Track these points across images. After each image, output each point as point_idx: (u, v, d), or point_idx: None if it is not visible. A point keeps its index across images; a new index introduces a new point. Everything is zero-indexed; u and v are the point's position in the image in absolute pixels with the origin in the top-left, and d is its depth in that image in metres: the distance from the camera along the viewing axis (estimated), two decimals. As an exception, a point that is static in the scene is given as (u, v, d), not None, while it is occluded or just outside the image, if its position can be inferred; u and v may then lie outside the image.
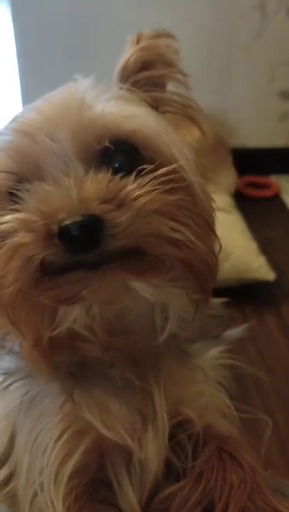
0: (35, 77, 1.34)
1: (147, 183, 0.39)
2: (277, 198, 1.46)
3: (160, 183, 0.39)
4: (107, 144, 0.41)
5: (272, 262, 1.11)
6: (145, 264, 0.39)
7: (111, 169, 0.40)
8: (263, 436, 0.55)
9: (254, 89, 1.44)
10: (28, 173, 0.41)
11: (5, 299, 0.39)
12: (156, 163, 0.41)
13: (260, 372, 0.84)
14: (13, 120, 0.44)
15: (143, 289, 0.41)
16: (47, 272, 0.38)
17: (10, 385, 0.49)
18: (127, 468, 0.46)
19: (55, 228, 0.37)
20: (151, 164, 0.40)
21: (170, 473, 0.48)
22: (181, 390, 0.49)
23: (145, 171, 0.40)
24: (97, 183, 0.39)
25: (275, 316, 1.06)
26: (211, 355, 0.53)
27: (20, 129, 0.42)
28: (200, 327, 0.49)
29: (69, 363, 0.46)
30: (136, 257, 0.38)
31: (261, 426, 0.57)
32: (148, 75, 0.48)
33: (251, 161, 1.43)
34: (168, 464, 0.48)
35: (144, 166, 0.40)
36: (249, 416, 0.55)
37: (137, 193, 0.38)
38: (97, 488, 0.47)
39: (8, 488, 0.48)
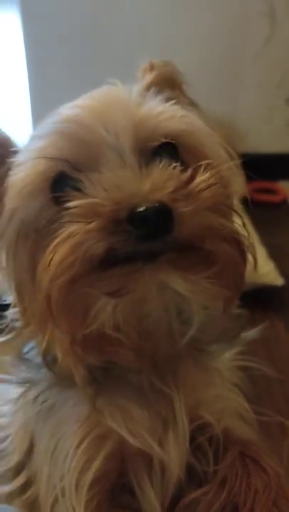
0: (44, 83, 1.35)
1: (210, 177, 0.40)
2: (285, 203, 1.46)
3: (216, 180, 0.40)
4: (160, 141, 0.42)
5: (281, 268, 1.12)
6: (194, 258, 0.40)
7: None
8: (282, 440, 0.55)
9: (263, 95, 1.44)
10: (83, 161, 0.42)
11: (55, 288, 0.38)
12: (206, 162, 0.42)
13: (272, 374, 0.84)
14: (58, 114, 0.45)
15: (181, 284, 0.41)
16: (106, 261, 0.38)
17: (29, 395, 0.49)
18: (148, 473, 0.47)
19: (123, 214, 0.37)
20: (186, 163, 0.42)
21: (192, 477, 0.48)
22: (198, 393, 0.49)
23: (203, 168, 0.41)
24: (164, 174, 0.39)
25: (283, 321, 1.06)
26: (227, 356, 0.53)
27: (74, 119, 0.43)
28: (221, 329, 0.49)
29: (91, 369, 0.46)
30: (188, 251, 0.39)
31: (276, 429, 0.57)
32: (165, 97, 0.49)
33: (260, 167, 1.43)
34: (189, 469, 0.48)
35: (203, 163, 0.41)
36: (266, 419, 0.55)
37: (203, 186, 0.39)
38: (119, 493, 0.47)
39: (26, 495, 0.49)
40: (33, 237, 0.42)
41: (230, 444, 0.49)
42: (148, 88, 0.48)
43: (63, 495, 0.45)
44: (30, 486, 0.48)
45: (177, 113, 0.44)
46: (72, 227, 0.38)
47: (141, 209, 0.36)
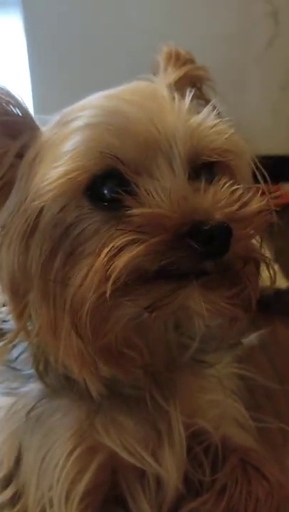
0: (47, 85, 1.35)
1: (264, 204, 0.39)
2: (290, 206, 1.46)
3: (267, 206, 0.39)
4: (212, 158, 0.40)
5: (285, 271, 1.10)
6: (225, 279, 0.38)
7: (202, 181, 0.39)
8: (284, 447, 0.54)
9: (267, 97, 1.43)
10: (136, 163, 0.38)
11: (92, 298, 0.36)
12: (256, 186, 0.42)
13: (272, 382, 0.82)
14: (91, 106, 0.41)
15: (201, 304, 0.38)
16: (156, 275, 0.36)
17: (17, 405, 0.47)
18: (141, 485, 0.45)
19: (186, 229, 0.35)
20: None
21: (188, 487, 0.47)
22: (194, 399, 0.48)
23: (258, 193, 0.40)
24: (223, 192, 0.38)
25: (285, 325, 1.05)
26: (225, 363, 0.52)
27: (124, 113, 0.39)
28: (221, 338, 0.47)
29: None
30: (228, 272, 0.38)
31: (277, 436, 0.56)
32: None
33: (264, 170, 1.42)
34: (185, 478, 0.47)
35: (252, 186, 0.40)
36: (266, 425, 0.54)
37: (257, 211, 0.38)
38: (111, 506, 0.46)
39: (15, 509, 0.47)
40: (51, 235, 0.39)
41: (229, 451, 0.48)
42: (181, 87, 0.45)
43: (51, 506, 0.44)
44: (19, 498, 0.47)
45: (225, 129, 0.42)
46: (130, 237, 0.35)
47: (207, 226, 0.35)
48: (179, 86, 0.47)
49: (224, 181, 0.39)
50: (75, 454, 0.44)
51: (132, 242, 0.35)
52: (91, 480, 0.44)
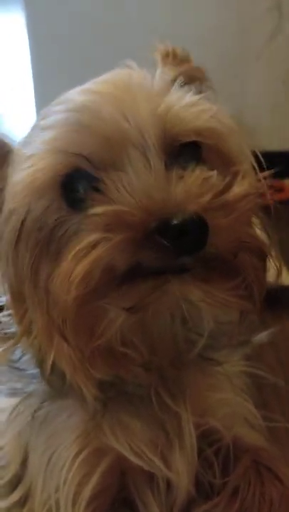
0: (48, 83, 1.34)
1: (248, 187, 0.36)
2: (291, 201, 1.44)
3: (254, 189, 0.37)
4: (189, 139, 0.38)
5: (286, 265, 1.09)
6: (219, 271, 0.36)
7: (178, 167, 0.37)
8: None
9: (269, 92, 1.42)
10: (102, 158, 0.37)
11: (70, 302, 0.35)
12: (242, 168, 0.38)
13: (280, 380, 0.81)
14: (68, 100, 0.40)
15: (200, 296, 0.37)
16: (129, 275, 0.34)
17: (22, 405, 0.47)
18: (150, 488, 0.44)
19: (154, 225, 0.33)
20: (207, 165, 0.38)
21: (198, 489, 0.45)
22: (203, 398, 0.47)
23: (240, 175, 0.37)
24: (198, 179, 0.36)
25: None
26: (234, 361, 0.50)
27: (90, 108, 0.37)
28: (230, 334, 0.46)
29: (100, 385, 0.42)
30: (215, 264, 0.36)
31: (283, 435, 0.55)
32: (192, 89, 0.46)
33: (266, 165, 1.41)
34: (195, 481, 0.45)
35: (237, 169, 0.37)
36: (274, 425, 0.53)
37: (240, 196, 0.36)
38: (120, 509, 0.44)
39: (24, 511, 0.46)
40: (37, 238, 0.38)
41: (240, 452, 0.46)
42: (173, 79, 0.42)
43: (58, 508, 0.43)
44: (26, 500, 0.46)
45: (208, 107, 0.39)
46: (95, 236, 0.34)
47: (177, 221, 0.32)
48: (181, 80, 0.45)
49: (200, 167, 0.37)
50: (82, 456, 0.43)
51: (97, 242, 0.34)
52: (98, 483, 0.43)
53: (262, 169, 0.44)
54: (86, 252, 0.34)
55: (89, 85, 0.41)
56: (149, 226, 0.33)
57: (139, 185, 0.35)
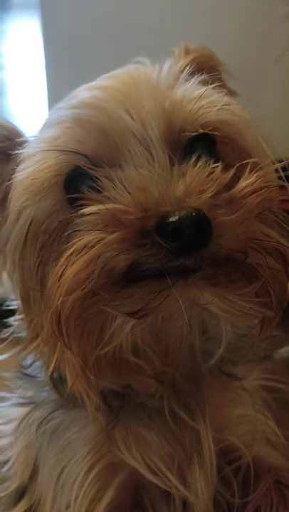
0: (63, 87, 1.33)
1: (257, 180, 0.34)
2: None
3: (264, 183, 0.34)
4: (196, 131, 0.36)
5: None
6: (233, 274, 0.33)
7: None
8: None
9: (286, 99, 1.40)
10: (103, 155, 0.35)
11: (67, 305, 0.33)
12: (251, 160, 0.36)
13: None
14: (73, 97, 0.39)
15: (215, 303, 0.34)
16: (129, 277, 0.32)
17: (32, 415, 0.44)
18: (167, 505, 0.41)
19: (152, 223, 0.31)
20: (224, 159, 0.36)
21: (216, 509, 0.43)
22: (222, 414, 0.44)
23: (248, 168, 0.35)
24: (201, 174, 0.33)
25: None
26: (254, 376, 0.47)
27: (92, 103, 0.36)
28: (251, 348, 0.43)
29: (105, 395, 0.40)
30: (227, 266, 0.33)
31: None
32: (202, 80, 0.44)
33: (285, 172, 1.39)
34: (213, 499, 0.43)
35: (247, 161, 0.35)
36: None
37: (248, 190, 0.33)
38: None
39: None
40: (43, 240, 0.37)
41: (261, 471, 0.44)
42: (181, 70, 0.41)
43: None
44: None
45: (217, 99, 0.38)
46: (88, 237, 0.32)
47: (174, 218, 0.30)
48: (191, 70, 0.43)
49: (205, 159, 0.35)
50: (94, 471, 0.41)
51: (88, 243, 0.32)
52: (112, 499, 0.41)
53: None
54: (81, 252, 0.33)
55: (96, 81, 0.40)
56: (146, 224, 0.31)
57: (137, 181, 0.33)
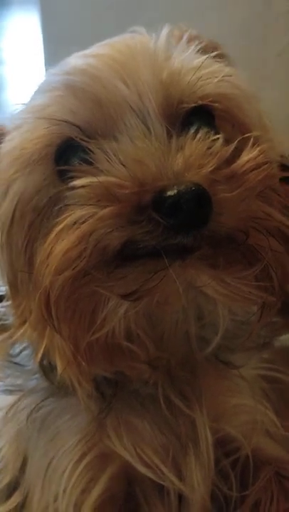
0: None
1: (259, 155, 0.32)
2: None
3: (267, 158, 0.32)
4: (195, 103, 0.34)
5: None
6: (232, 255, 0.32)
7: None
8: None
9: (287, 94, 1.39)
10: (96, 126, 0.33)
11: (56, 285, 0.31)
12: (253, 134, 0.34)
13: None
14: (65, 63, 0.37)
15: (213, 286, 0.33)
16: (123, 256, 0.30)
17: (21, 404, 0.43)
18: (160, 498, 0.40)
19: (148, 198, 0.29)
20: (222, 135, 0.34)
21: (212, 502, 0.41)
22: (218, 403, 0.42)
23: (250, 143, 0.33)
24: (200, 147, 0.31)
25: None
26: (253, 365, 0.46)
27: (85, 71, 0.34)
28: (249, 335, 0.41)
29: (97, 382, 0.39)
30: (226, 246, 0.31)
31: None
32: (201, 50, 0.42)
33: (286, 169, 1.38)
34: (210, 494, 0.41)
35: (249, 135, 0.33)
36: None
37: (250, 166, 0.31)
38: None
39: None
40: (31, 218, 0.35)
41: (260, 463, 0.42)
42: (180, 37, 0.39)
43: None
44: (23, 509, 0.42)
45: (218, 69, 0.36)
46: (80, 212, 0.31)
47: (171, 193, 0.29)
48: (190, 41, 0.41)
49: (204, 131, 0.33)
50: (85, 461, 0.39)
51: (79, 218, 0.31)
52: (104, 490, 0.39)
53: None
54: (72, 228, 0.31)
55: (90, 49, 0.38)
56: (142, 199, 0.29)
57: (133, 153, 0.32)
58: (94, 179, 0.31)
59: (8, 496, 0.43)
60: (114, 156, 0.32)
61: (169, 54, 0.36)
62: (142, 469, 0.39)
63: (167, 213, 0.29)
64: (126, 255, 0.30)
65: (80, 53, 0.38)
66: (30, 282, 0.35)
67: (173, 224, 0.29)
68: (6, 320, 0.41)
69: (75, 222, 0.31)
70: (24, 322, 0.38)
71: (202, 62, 0.36)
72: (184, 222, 0.29)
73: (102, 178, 0.31)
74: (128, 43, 0.37)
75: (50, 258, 0.31)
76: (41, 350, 0.36)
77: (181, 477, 0.39)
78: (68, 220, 0.31)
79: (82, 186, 0.31)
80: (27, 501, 0.42)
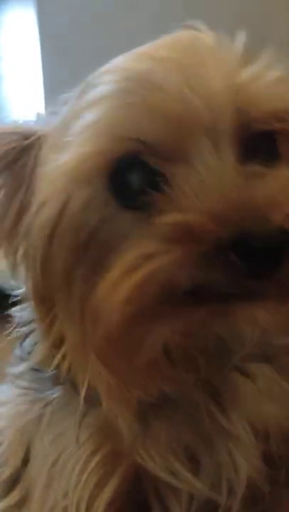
0: (59, 80, 1.32)
1: None
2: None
3: None
4: (269, 126, 0.30)
5: None
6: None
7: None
8: None
9: None
10: (164, 143, 0.29)
11: (114, 321, 0.29)
12: None
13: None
14: (117, 67, 0.32)
15: (266, 318, 0.30)
16: (191, 295, 0.28)
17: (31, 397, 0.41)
18: (175, 494, 0.37)
19: (227, 239, 0.26)
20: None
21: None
22: (252, 408, 0.39)
23: None
24: (277, 181, 0.28)
25: None
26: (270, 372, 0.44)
27: (148, 78, 0.29)
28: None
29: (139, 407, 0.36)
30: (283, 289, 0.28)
31: None
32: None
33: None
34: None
35: None
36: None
37: None
38: None
39: None
40: (75, 237, 0.31)
41: None
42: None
43: None
44: (23, 506, 0.40)
45: None
46: (152, 246, 0.28)
47: (259, 239, 0.26)
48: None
49: (273, 158, 0.30)
50: (96, 458, 0.37)
51: (154, 253, 0.28)
52: (117, 485, 0.37)
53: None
54: (139, 263, 0.28)
55: (145, 49, 0.33)
56: (222, 239, 0.26)
57: (211, 185, 0.28)
58: (179, 217, 0.28)
59: (8, 491, 0.41)
60: (192, 186, 0.29)
61: (241, 60, 0.32)
62: (160, 474, 0.36)
63: (250, 259, 0.26)
64: (194, 295, 0.28)
65: (134, 54, 0.33)
66: (68, 304, 0.32)
67: (256, 270, 0.27)
68: (21, 327, 0.39)
69: (147, 257, 0.28)
70: (58, 344, 0.34)
71: (279, 74, 0.31)
72: (267, 267, 0.27)
73: (187, 217, 0.28)
74: (194, 43, 0.32)
75: (119, 293, 0.28)
76: (85, 382, 0.33)
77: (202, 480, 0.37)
78: (139, 253, 0.28)
79: (165, 224, 0.28)
80: (27, 499, 0.40)
